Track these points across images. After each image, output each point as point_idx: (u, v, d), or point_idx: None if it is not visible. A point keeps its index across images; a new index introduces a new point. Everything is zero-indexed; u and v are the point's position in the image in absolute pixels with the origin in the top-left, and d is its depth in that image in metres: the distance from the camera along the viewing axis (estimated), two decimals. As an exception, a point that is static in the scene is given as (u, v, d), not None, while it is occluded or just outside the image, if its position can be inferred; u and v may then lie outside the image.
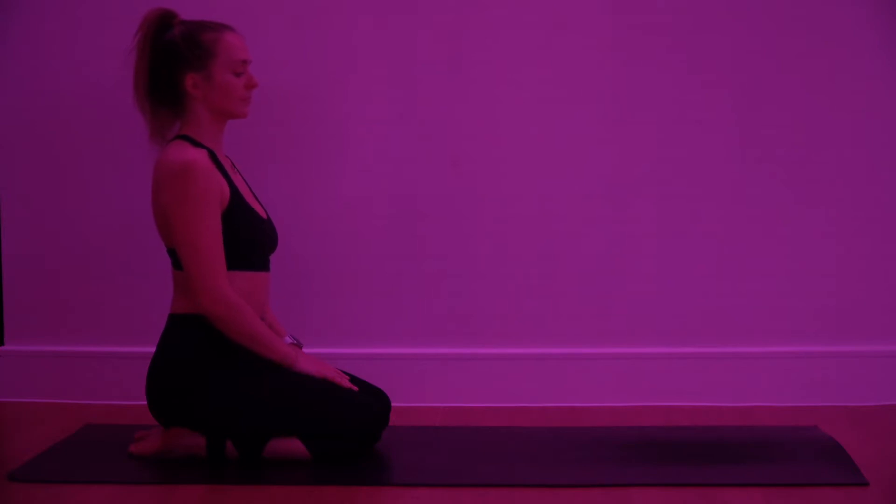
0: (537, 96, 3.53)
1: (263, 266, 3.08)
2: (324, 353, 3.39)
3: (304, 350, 3.24)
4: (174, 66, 3.00)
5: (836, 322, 3.56)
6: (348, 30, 3.52)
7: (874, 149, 3.53)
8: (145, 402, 3.41)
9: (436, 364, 3.58)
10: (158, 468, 2.94)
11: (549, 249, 3.56)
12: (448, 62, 3.52)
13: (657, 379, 3.56)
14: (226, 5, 3.49)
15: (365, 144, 3.55)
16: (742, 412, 3.48)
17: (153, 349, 3.11)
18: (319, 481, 2.85)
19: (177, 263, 3.01)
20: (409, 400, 3.51)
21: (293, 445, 2.96)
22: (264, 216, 3.11)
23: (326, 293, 3.57)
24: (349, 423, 2.98)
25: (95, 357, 3.60)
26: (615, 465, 2.96)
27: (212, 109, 3.03)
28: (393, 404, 3.20)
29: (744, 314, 3.57)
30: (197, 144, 3.00)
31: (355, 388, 3.02)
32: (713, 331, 3.57)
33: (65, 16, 3.54)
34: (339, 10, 3.52)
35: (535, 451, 3.09)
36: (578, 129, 3.54)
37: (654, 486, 2.80)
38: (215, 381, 2.94)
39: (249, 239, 3.02)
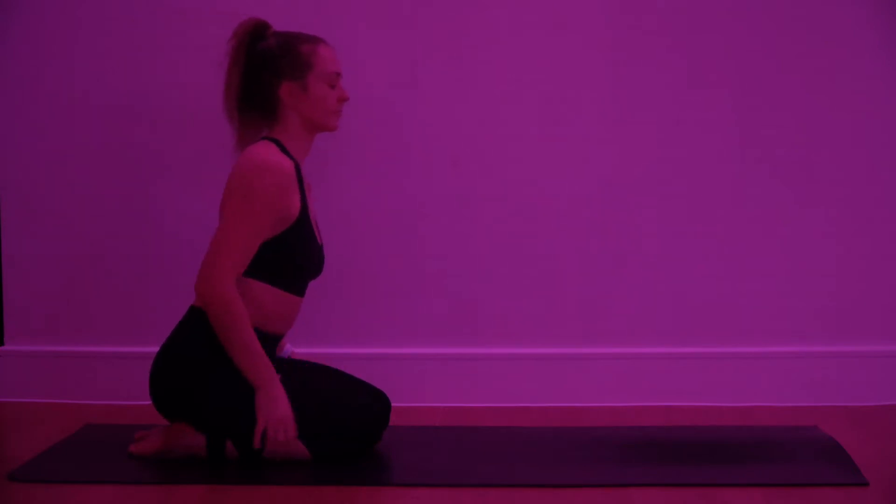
0: (537, 96, 3.53)
1: (300, 292, 3.07)
2: (324, 353, 3.39)
3: (304, 350, 3.25)
4: (270, 74, 3.01)
5: (836, 322, 3.57)
6: (348, 30, 3.52)
7: (874, 149, 3.53)
8: (145, 402, 3.42)
9: (436, 364, 3.58)
10: (158, 468, 2.94)
11: (549, 249, 3.57)
12: (448, 62, 3.53)
13: (657, 379, 3.56)
14: (227, 6, 3.49)
15: (365, 144, 3.55)
16: (742, 412, 3.48)
17: (153, 349, 3.11)
18: (319, 481, 2.85)
19: None
20: (409, 400, 3.51)
21: (293, 445, 2.96)
22: (320, 241, 3.11)
23: (326, 293, 3.57)
24: (349, 423, 2.98)
25: (95, 357, 3.60)
26: (615, 465, 2.96)
27: (303, 120, 3.03)
28: (393, 404, 3.20)
29: (744, 314, 3.57)
30: (285, 153, 3.01)
31: (285, 438, 2.92)
32: (713, 331, 3.57)
33: (65, 16, 3.54)
34: (340, 10, 3.52)
35: (535, 451, 3.09)
36: (579, 129, 3.54)
37: (654, 486, 2.80)
38: (217, 380, 2.94)
39: (299, 265, 3.02)
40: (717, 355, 3.57)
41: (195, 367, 2.95)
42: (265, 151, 2.96)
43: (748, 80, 3.51)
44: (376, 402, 3.06)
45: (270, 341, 3.02)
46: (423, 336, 3.58)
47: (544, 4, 3.51)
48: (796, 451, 3.06)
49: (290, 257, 2.99)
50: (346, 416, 2.97)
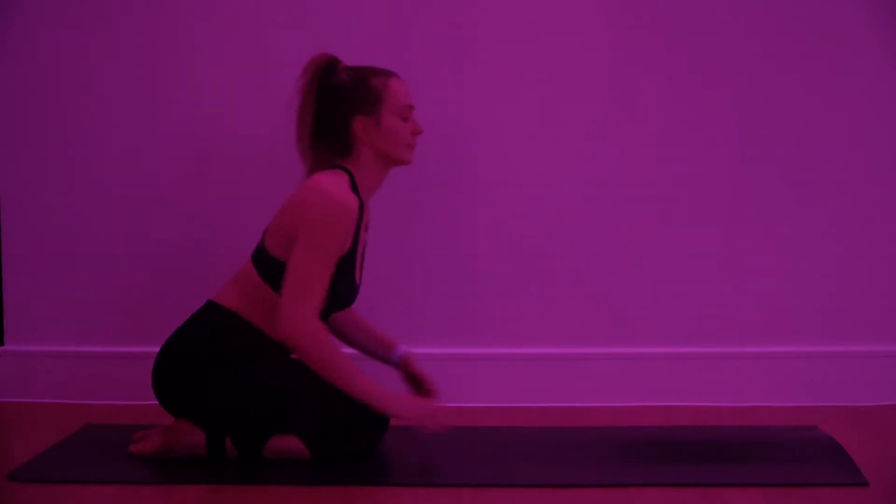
0: (538, 96, 3.53)
1: (323, 320, 3.06)
2: (324, 353, 3.39)
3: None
4: (343, 108, 3.01)
5: (836, 322, 3.56)
6: (348, 30, 3.52)
7: (874, 149, 3.53)
8: (145, 402, 3.43)
9: (436, 364, 3.57)
10: (158, 468, 2.94)
11: (550, 249, 3.57)
12: (448, 62, 3.53)
13: (657, 379, 3.56)
14: (227, 6, 3.50)
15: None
16: (742, 412, 3.48)
17: (153, 349, 3.11)
18: (319, 481, 2.85)
19: (258, 259, 2.99)
20: (409, 400, 3.51)
21: (293, 445, 2.96)
22: (358, 280, 3.09)
23: (326, 293, 3.57)
24: (350, 425, 2.97)
25: (95, 357, 3.60)
26: (615, 465, 2.95)
27: (377, 154, 3.03)
28: (393, 404, 3.20)
29: (744, 314, 3.57)
30: (354, 190, 3.00)
31: (447, 427, 2.97)
32: (713, 331, 3.57)
33: (65, 16, 3.54)
34: (340, 10, 3.52)
35: (535, 451, 3.09)
36: (579, 129, 3.54)
37: (654, 486, 2.80)
38: (219, 378, 2.94)
39: (330, 302, 3.02)
40: (717, 355, 3.57)
41: (198, 364, 2.95)
42: (338, 187, 2.94)
43: (748, 80, 3.51)
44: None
45: (276, 345, 3.03)
46: (423, 336, 3.57)
47: (544, 4, 3.51)
48: (796, 451, 3.06)
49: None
50: (347, 418, 2.97)
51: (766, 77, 3.51)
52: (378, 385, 2.95)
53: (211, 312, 3.01)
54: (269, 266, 2.99)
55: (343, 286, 3.03)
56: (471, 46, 3.52)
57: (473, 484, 2.82)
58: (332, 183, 2.96)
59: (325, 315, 3.06)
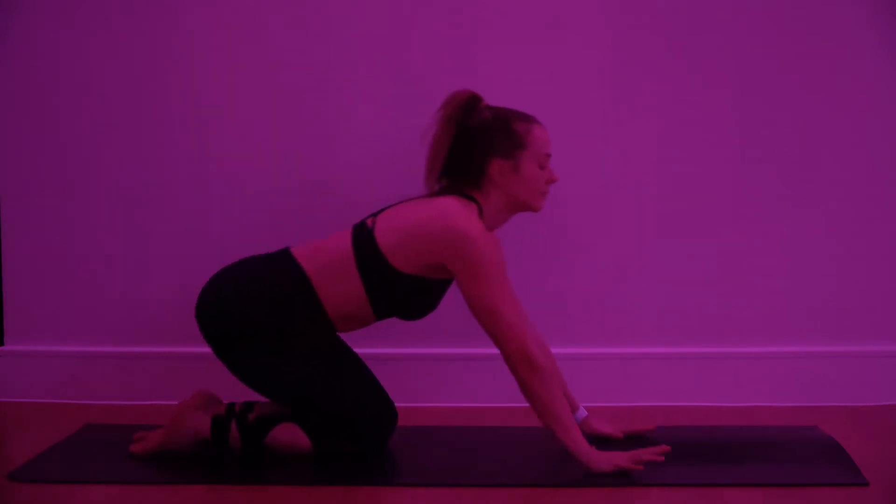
0: (537, 96, 3.53)
1: (380, 319, 3.04)
2: (324, 353, 3.40)
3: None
4: (481, 149, 2.96)
5: (836, 322, 3.57)
6: (348, 30, 3.52)
7: (874, 149, 3.53)
8: (145, 402, 3.43)
9: (435, 364, 3.58)
10: (158, 468, 2.94)
11: (550, 249, 3.56)
12: (448, 62, 3.52)
13: (657, 379, 3.56)
14: (227, 6, 3.50)
15: (364, 145, 3.55)
16: (742, 412, 3.48)
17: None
18: (320, 481, 2.85)
19: (359, 237, 2.96)
20: (409, 400, 3.51)
21: (295, 436, 2.96)
22: (437, 305, 3.08)
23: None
24: (356, 428, 2.97)
25: (95, 357, 3.60)
26: (615, 465, 2.96)
27: (509, 198, 2.99)
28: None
29: (744, 314, 3.57)
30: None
31: (638, 468, 2.87)
32: (713, 331, 3.57)
33: (64, 16, 3.54)
34: (340, 10, 3.52)
35: (536, 451, 3.09)
36: (579, 129, 3.54)
37: (654, 486, 2.80)
38: (241, 361, 2.95)
39: (406, 307, 3.00)
40: (717, 355, 3.57)
41: (238, 320, 2.93)
42: (476, 221, 2.91)
43: (748, 80, 3.51)
44: (384, 409, 3.06)
45: (324, 325, 2.99)
46: (424, 336, 3.57)
47: (544, 4, 3.51)
48: (796, 451, 3.06)
49: (410, 298, 2.98)
50: (355, 419, 2.97)
51: (766, 77, 3.51)
52: (582, 438, 2.88)
53: (282, 262, 2.97)
54: (370, 252, 2.94)
55: (429, 301, 3.01)
56: (471, 46, 3.52)
57: (473, 484, 2.83)
58: (474, 219, 2.91)
59: (388, 317, 3.03)
